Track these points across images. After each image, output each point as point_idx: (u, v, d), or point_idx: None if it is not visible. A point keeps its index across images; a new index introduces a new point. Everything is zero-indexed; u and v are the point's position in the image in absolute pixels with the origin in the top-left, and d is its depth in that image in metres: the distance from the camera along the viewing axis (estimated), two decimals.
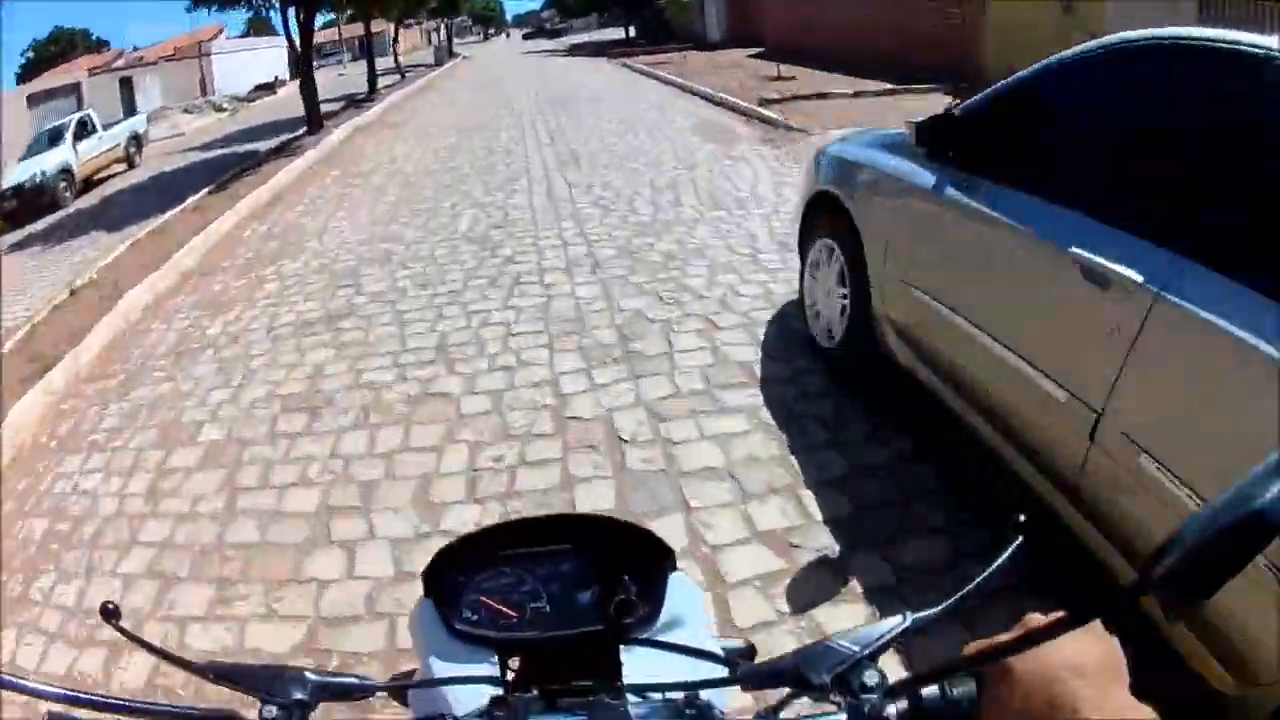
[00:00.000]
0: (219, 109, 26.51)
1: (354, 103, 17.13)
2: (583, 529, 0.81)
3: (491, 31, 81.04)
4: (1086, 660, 0.48)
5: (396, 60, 23.83)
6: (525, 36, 70.32)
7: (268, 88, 30.23)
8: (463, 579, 0.77)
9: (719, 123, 10.01)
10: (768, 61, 17.83)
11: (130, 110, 28.23)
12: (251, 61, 34.69)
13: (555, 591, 0.75)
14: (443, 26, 43.48)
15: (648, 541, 0.78)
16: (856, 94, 11.37)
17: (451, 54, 37.43)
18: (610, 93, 14.53)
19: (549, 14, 72.56)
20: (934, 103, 9.48)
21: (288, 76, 40.14)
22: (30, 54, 57.57)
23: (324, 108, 13.76)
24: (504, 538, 0.79)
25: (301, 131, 13.06)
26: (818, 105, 10.76)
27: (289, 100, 28.07)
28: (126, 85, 28.74)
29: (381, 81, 22.21)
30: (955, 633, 1.39)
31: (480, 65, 29.70)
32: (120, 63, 35.76)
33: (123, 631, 0.66)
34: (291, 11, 13.54)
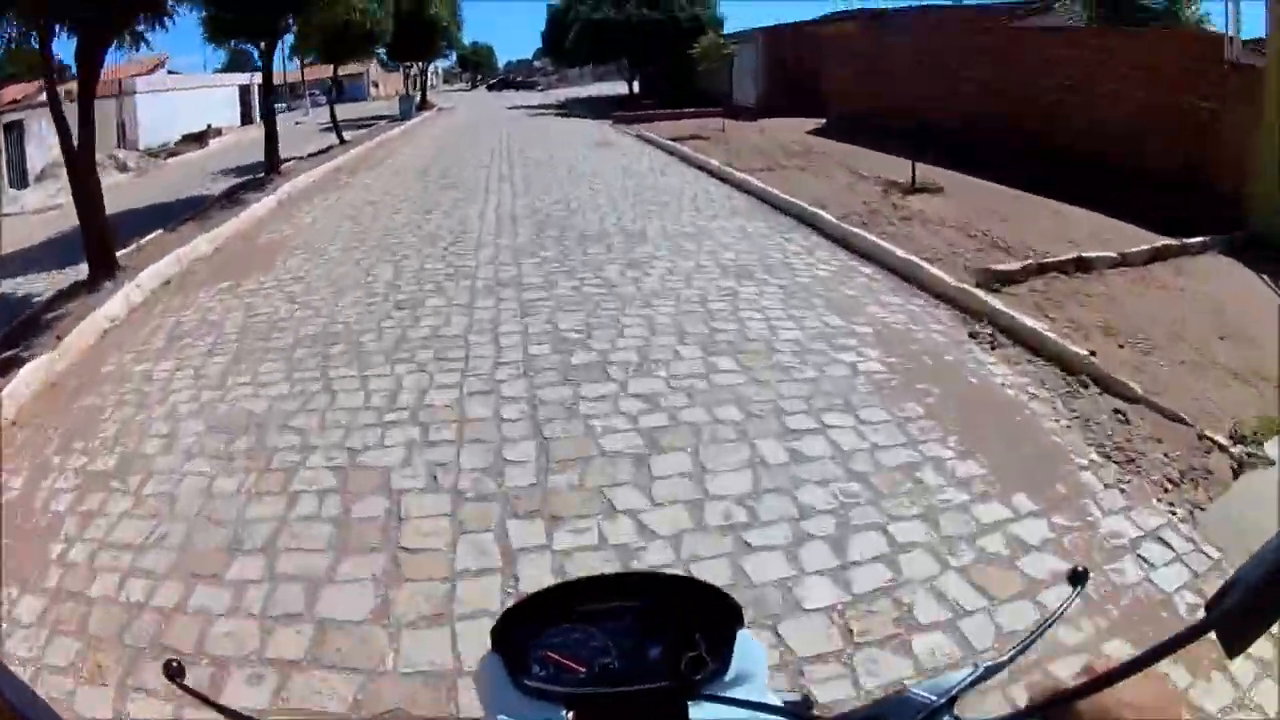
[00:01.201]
0: (123, 168, 20.80)
1: (250, 182, 11.56)
2: (651, 586, 0.80)
3: (480, 79, 76.59)
4: (1145, 700, 0.53)
5: (334, 118, 18.26)
6: (490, 88, 63.43)
7: (197, 138, 24.66)
8: (531, 635, 0.75)
9: (927, 346, 4.50)
10: (847, 144, 12.57)
11: (19, 165, 22.50)
12: (191, 103, 29.10)
13: (624, 647, 0.74)
14: (415, 71, 38.01)
15: (716, 599, 0.77)
16: (1122, 256, 6.03)
17: (425, 105, 32.12)
18: (648, 204, 9.03)
19: (541, 63, 68.12)
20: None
21: (238, 120, 35.02)
22: None
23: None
24: (573, 595, 0.78)
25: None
26: (1089, 288, 5.37)
27: (220, 154, 22.52)
28: (14, 132, 22.84)
29: (324, 141, 16.75)
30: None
31: (454, 124, 24.29)
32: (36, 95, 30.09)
33: (188, 690, 0.67)
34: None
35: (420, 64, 32.54)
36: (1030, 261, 5.70)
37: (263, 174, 11.90)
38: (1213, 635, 0.46)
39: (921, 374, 4.13)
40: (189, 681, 0.67)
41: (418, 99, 32.39)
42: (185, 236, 8.13)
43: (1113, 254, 5.97)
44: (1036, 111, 10.12)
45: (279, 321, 5.21)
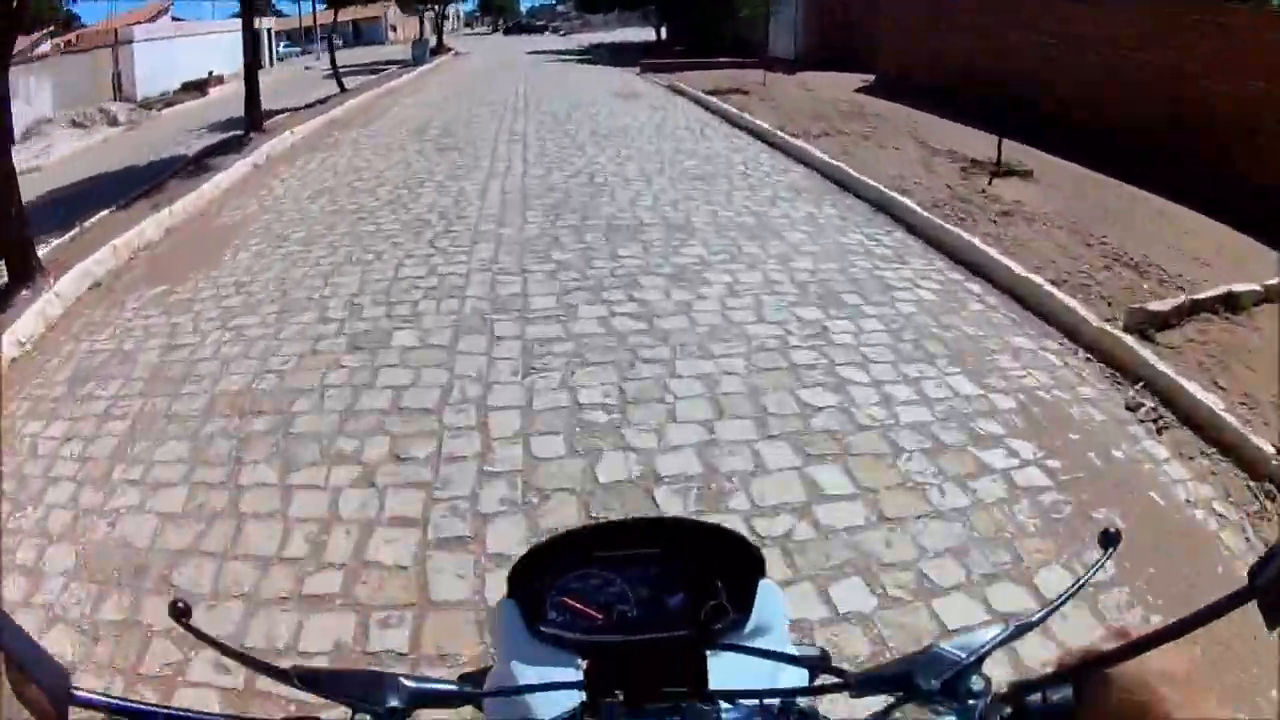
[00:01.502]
0: (113, 121, 19.50)
1: (230, 141, 10.11)
2: (672, 533, 0.78)
3: (501, 23, 73.53)
4: (1176, 668, 0.51)
5: (334, 64, 16.70)
6: (506, 31, 62.03)
7: (198, 86, 23.16)
8: (548, 580, 0.74)
9: (1087, 430, 3.12)
10: (903, 105, 10.89)
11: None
12: (196, 50, 27.54)
13: (643, 595, 0.73)
14: (431, 13, 35.88)
15: (738, 546, 0.75)
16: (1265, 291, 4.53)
17: (440, 49, 30.20)
18: (690, 177, 7.47)
19: (564, 7, 64.90)
20: None
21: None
22: None
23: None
24: (592, 540, 0.76)
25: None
26: (1248, 339, 3.95)
27: (220, 104, 20.96)
28: None
29: (328, 89, 15.22)
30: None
31: (468, 71, 22.41)
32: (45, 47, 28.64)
33: (193, 631, 0.66)
34: None
35: (438, 6, 30.32)
36: (1183, 300, 4.19)
37: (242, 132, 10.44)
38: (1254, 604, 0.44)
39: (1094, 489, 2.76)
40: (194, 622, 0.65)
41: (433, 43, 30.46)
42: (134, 217, 6.80)
43: (1257, 287, 4.41)
44: (1133, 94, 8.28)
45: (199, 362, 3.88)
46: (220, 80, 24.35)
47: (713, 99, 12.14)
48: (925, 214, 5.72)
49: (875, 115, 10.30)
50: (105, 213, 7.19)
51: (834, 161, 7.37)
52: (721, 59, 20.29)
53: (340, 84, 15.77)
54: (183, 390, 3.60)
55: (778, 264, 4.86)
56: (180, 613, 0.65)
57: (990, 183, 6.78)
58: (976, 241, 5.11)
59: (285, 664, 0.64)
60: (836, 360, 3.59)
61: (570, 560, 0.74)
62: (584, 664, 0.66)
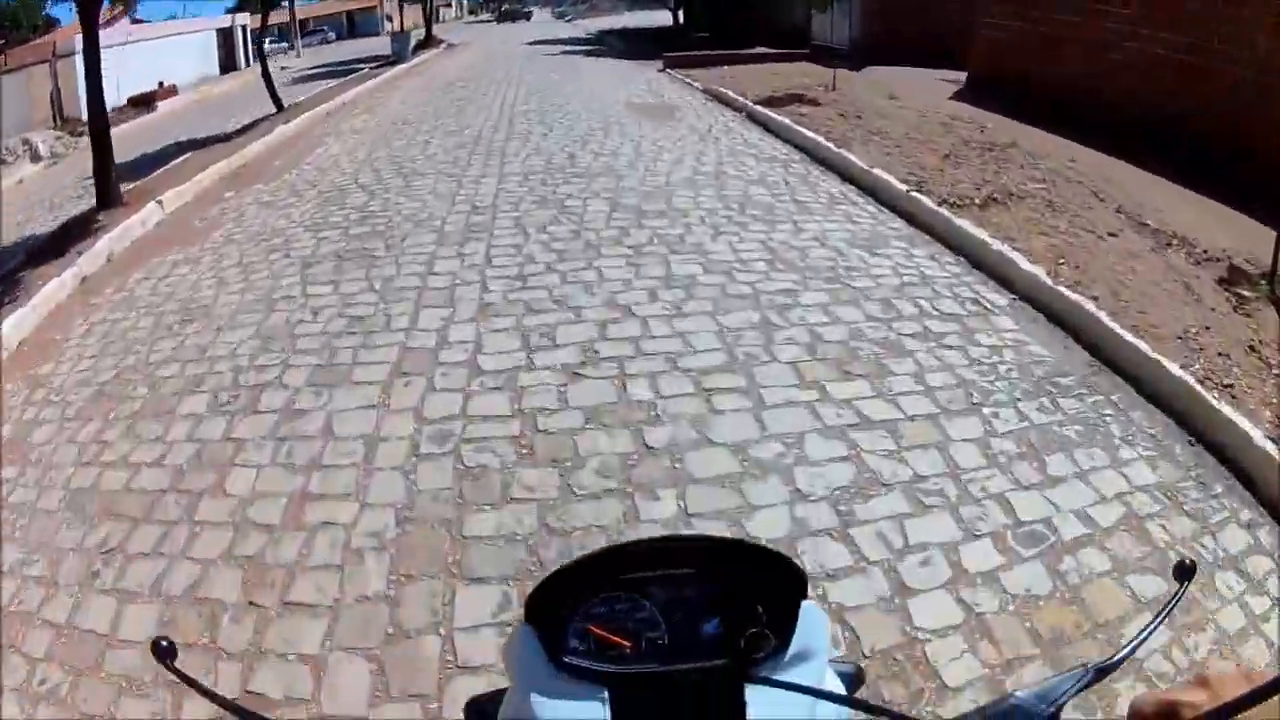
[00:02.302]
0: (35, 156, 16.25)
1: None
2: (708, 552, 0.70)
3: (506, 6, 69.40)
4: None
5: (266, 78, 13.09)
6: (498, 20, 59.45)
7: (145, 101, 19.79)
8: (570, 605, 0.66)
9: None
10: (1033, 127, 7.79)
11: None
12: (155, 56, 24.12)
13: (675, 620, 0.66)
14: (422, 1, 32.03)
15: (780, 566, 0.68)
16: None
17: (429, 41, 26.50)
18: (821, 338, 4.07)
19: None
20: None
21: (216, 70, 29.88)
22: None
23: None
24: (619, 561, 0.68)
25: None
26: None
27: (168, 121, 17.56)
28: None
29: (297, 91, 11.78)
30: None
31: (454, 70, 18.61)
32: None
33: (177, 673, 0.64)
34: None
35: None
36: None
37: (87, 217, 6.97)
38: None
39: None
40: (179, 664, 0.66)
41: (418, 36, 26.79)
42: None
43: None
44: None
45: None
46: (172, 91, 21.04)
47: (775, 115, 8.59)
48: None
49: (1025, 154, 6.70)
50: None
51: (1070, 294, 3.85)
52: (758, 50, 16.61)
53: (277, 102, 12.30)
54: None
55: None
56: (163, 653, 0.64)
57: None
58: None
59: None
60: None
61: (595, 584, 0.66)
62: (609, 697, 0.61)
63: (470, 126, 9.57)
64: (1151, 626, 0.65)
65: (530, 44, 24.72)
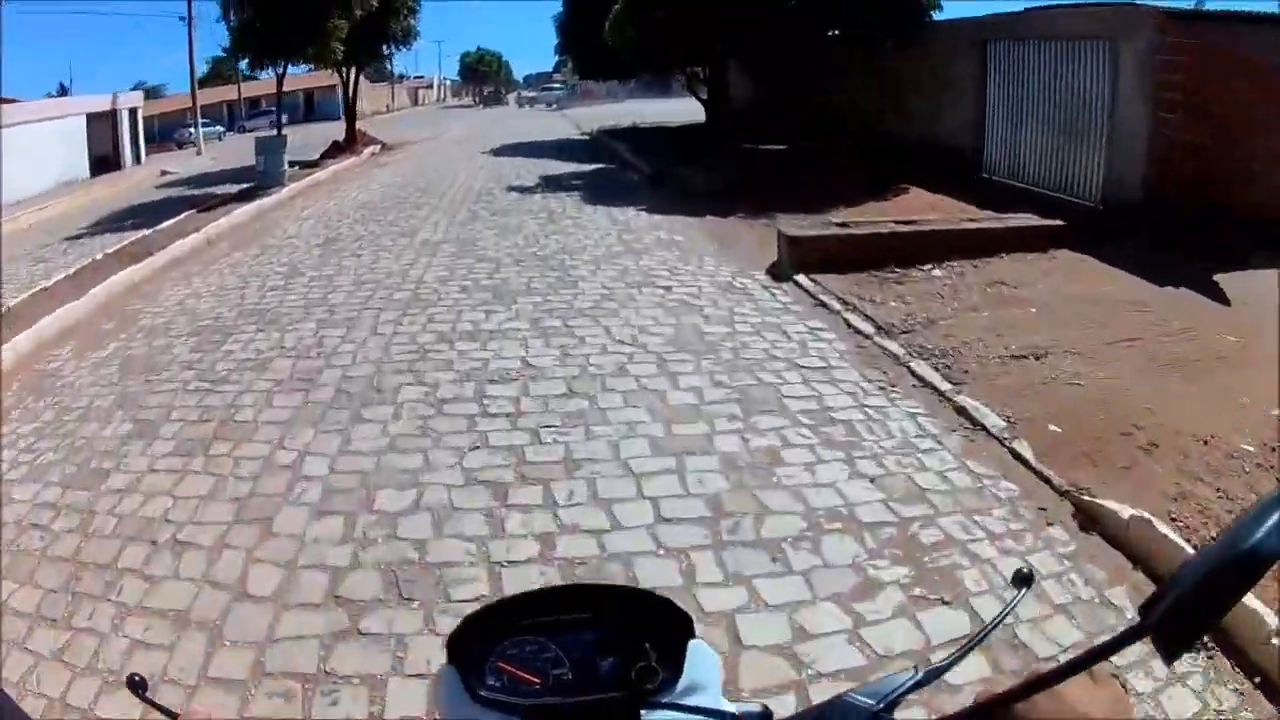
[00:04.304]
0: None
1: None
2: (603, 598, 0.80)
3: (491, 93, 63.90)
4: (1094, 707, 0.50)
5: None
6: (484, 104, 58.47)
7: None
8: (486, 647, 0.75)
9: None
10: None
11: None
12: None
13: (577, 659, 0.74)
14: (402, 83, 24.99)
15: (667, 610, 0.77)
16: None
17: (354, 143, 18.82)
18: None
19: (563, 74, 55.12)
20: None
21: (86, 169, 22.40)
22: None
23: None
24: (527, 607, 0.78)
25: None
26: None
27: None
28: None
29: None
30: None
31: (324, 229, 10.87)
32: None
33: (151, 704, 0.68)
34: None
35: (352, 70, 18.97)
36: None
37: None
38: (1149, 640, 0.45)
39: None
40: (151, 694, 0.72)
41: (331, 136, 19.26)
42: None
43: None
44: None
45: None
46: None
47: None
48: None
49: None
50: None
51: None
52: (904, 185, 9.21)
53: None
54: None
55: None
56: (137, 685, 0.69)
57: None
58: None
59: None
60: None
61: (506, 628, 0.75)
62: None
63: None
64: (986, 630, 0.69)
65: (491, 153, 17.30)
